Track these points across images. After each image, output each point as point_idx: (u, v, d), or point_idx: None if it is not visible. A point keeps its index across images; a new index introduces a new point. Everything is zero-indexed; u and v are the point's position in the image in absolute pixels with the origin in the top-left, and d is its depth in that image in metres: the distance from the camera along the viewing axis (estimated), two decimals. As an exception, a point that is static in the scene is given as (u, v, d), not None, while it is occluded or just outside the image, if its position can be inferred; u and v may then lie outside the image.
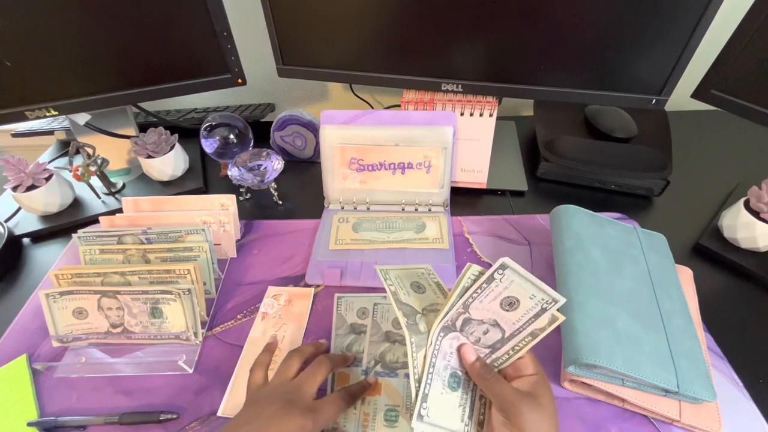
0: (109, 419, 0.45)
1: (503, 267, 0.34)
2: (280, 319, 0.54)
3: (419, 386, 0.37)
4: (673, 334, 0.45)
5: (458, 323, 0.38)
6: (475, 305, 0.37)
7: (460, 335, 0.39)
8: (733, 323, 0.52)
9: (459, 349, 0.40)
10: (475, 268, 0.37)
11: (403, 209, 0.68)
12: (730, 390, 0.45)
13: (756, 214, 0.56)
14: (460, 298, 0.37)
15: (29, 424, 0.45)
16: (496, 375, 0.38)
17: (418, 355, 0.37)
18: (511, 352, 0.38)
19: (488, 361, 0.39)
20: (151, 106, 0.90)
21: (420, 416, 0.37)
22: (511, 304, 0.36)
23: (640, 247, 0.53)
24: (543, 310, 0.35)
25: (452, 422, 0.38)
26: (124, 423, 0.45)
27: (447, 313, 0.37)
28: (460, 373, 0.39)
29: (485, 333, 0.38)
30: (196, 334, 0.51)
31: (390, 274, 0.43)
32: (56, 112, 0.67)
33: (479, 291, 0.36)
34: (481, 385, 0.38)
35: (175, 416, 0.45)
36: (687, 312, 0.47)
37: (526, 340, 0.37)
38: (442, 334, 0.38)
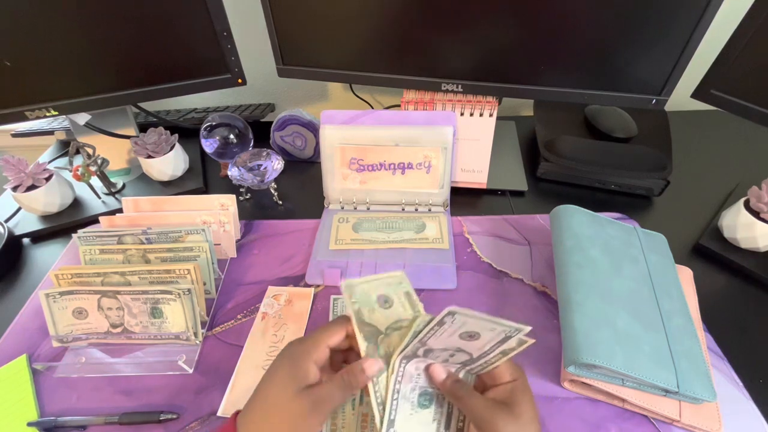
0: (109, 419, 0.45)
1: (451, 314, 0.32)
2: (280, 319, 0.54)
3: (383, 411, 0.35)
4: (673, 334, 0.45)
5: (420, 353, 0.36)
6: (432, 340, 0.35)
7: (426, 359, 0.37)
8: (733, 323, 0.52)
9: (428, 369, 0.37)
10: (421, 319, 0.35)
11: (403, 209, 0.68)
12: (730, 390, 0.45)
13: (756, 214, 0.56)
14: (415, 337, 0.34)
15: (29, 424, 0.45)
16: (469, 390, 0.35)
17: (379, 379, 0.35)
18: (485, 365, 0.36)
19: (462, 373, 0.37)
20: (151, 106, 0.90)
21: None
22: (471, 336, 0.34)
23: (640, 247, 0.53)
24: (507, 337, 0.33)
25: None
26: (124, 423, 0.45)
27: (404, 348, 0.35)
28: (431, 390, 0.37)
29: (451, 356, 0.36)
30: (196, 334, 0.51)
31: (356, 289, 0.39)
32: (56, 112, 0.67)
33: (432, 332, 0.33)
34: (455, 402, 0.36)
35: (175, 416, 0.45)
36: (687, 312, 0.47)
37: (497, 357, 0.35)
38: (404, 361, 0.36)
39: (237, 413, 0.34)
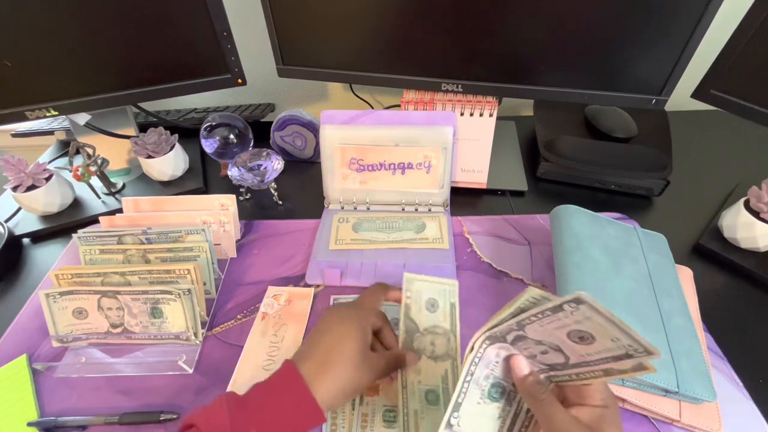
0: (109, 419, 0.45)
1: (578, 301, 0.27)
2: (280, 319, 0.54)
3: (453, 395, 0.33)
4: (673, 334, 0.45)
5: (509, 337, 0.33)
6: (533, 327, 0.30)
7: (511, 347, 0.34)
8: (733, 323, 0.52)
9: (509, 359, 0.34)
10: (536, 292, 0.30)
11: (403, 209, 0.68)
12: (730, 390, 0.45)
13: (756, 214, 0.56)
14: (514, 317, 0.31)
15: (29, 424, 0.45)
16: (550, 396, 0.32)
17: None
18: (574, 376, 0.32)
19: (544, 377, 0.33)
20: (151, 106, 0.90)
21: (449, 425, 0.33)
22: (582, 338, 0.29)
23: (640, 247, 0.53)
24: (628, 356, 0.27)
25: None
26: (124, 423, 0.45)
27: (496, 326, 0.32)
28: (505, 384, 0.34)
29: (543, 353, 0.32)
30: (196, 334, 0.51)
31: (413, 285, 0.43)
32: (56, 112, 0.67)
33: (540, 316, 0.29)
34: (531, 404, 0.33)
35: (175, 416, 0.45)
36: (687, 312, 0.47)
37: (596, 373, 0.30)
38: (487, 342, 0.33)
39: (291, 363, 0.36)
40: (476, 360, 0.33)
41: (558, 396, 0.33)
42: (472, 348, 0.33)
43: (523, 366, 0.33)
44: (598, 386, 0.31)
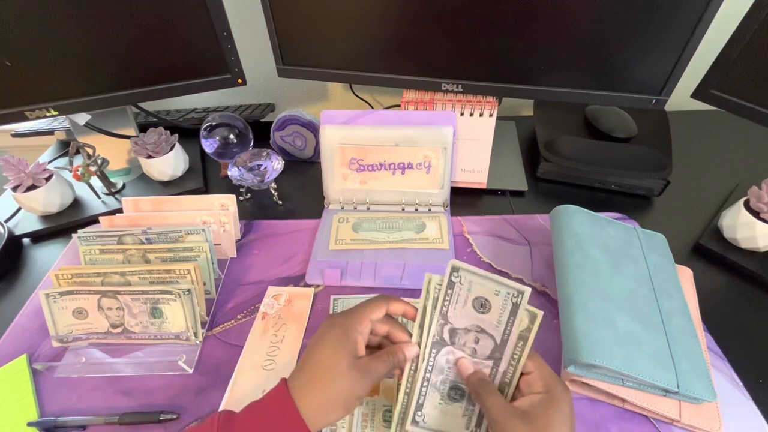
0: (109, 419, 0.45)
1: (455, 269, 0.35)
2: (280, 319, 0.54)
3: (412, 396, 0.38)
4: (673, 334, 0.45)
5: (445, 336, 0.38)
6: (451, 313, 0.37)
7: (454, 349, 0.38)
8: (733, 323, 0.52)
9: (457, 363, 0.38)
10: (436, 278, 0.37)
11: (403, 209, 0.68)
12: (730, 390, 0.45)
13: (756, 214, 0.56)
14: (434, 308, 0.37)
15: (29, 424, 0.45)
16: (491, 389, 0.36)
17: (413, 370, 0.38)
18: (513, 362, 0.36)
19: (497, 377, 0.37)
20: (151, 106, 0.90)
21: (415, 422, 0.38)
22: (482, 305, 0.35)
23: (640, 247, 0.53)
24: (515, 306, 0.34)
25: (455, 428, 0.38)
26: (124, 423, 0.45)
27: (430, 327, 0.37)
28: (463, 386, 0.38)
29: (477, 342, 0.37)
30: (196, 334, 0.51)
31: (431, 284, 0.38)
32: (56, 112, 0.67)
33: (448, 298, 0.36)
34: (476, 399, 0.37)
35: (175, 416, 0.45)
36: (687, 312, 0.47)
37: (520, 345, 0.36)
38: (434, 350, 0.38)
39: (284, 380, 0.36)
40: (429, 368, 0.38)
41: (517, 396, 0.36)
42: (423, 357, 0.38)
43: (467, 366, 0.37)
44: (536, 377, 0.35)
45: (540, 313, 0.34)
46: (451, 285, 0.35)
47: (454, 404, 0.38)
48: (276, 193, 0.73)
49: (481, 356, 0.37)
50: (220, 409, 0.46)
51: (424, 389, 0.38)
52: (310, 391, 0.35)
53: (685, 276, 0.54)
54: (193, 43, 0.67)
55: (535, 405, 0.33)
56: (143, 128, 0.77)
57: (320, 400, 0.34)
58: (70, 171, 0.69)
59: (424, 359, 0.38)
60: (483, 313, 0.36)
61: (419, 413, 0.38)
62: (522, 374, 0.37)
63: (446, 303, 0.36)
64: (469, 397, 0.38)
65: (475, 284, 0.35)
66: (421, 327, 0.38)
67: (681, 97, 0.64)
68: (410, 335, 0.40)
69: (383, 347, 0.39)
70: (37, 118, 0.66)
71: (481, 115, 0.66)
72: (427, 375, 0.38)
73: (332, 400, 0.35)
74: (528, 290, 0.33)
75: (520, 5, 0.57)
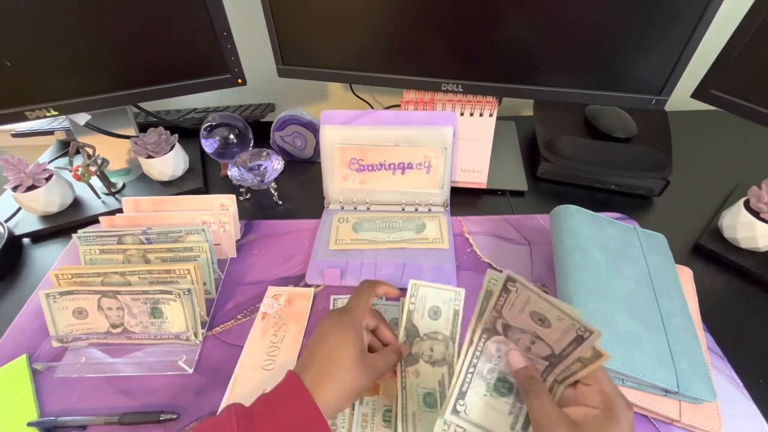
0: (109, 419, 0.45)
1: (511, 279, 0.32)
2: (280, 319, 0.54)
3: (456, 380, 0.35)
4: (673, 334, 0.45)
5: (498, 327, 0.35)
6: (507, 311, 0.34)
7: (507, 340, 0.36)
8: (733, 323, 0.52)
9: (508, 353, 0.36)
10: (494, 274, 0.34)
11: (403, 209, 0.68)
12: (730, 390, 0.45)
13: (756, 214, 0.56)
14: (488, 301, 0.34)
15: (29, 424, 0.45)
16: (540, 389, 0.32)
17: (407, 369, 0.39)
18: (567, 371, 0.33)
19: (551, 378, 0.34)
20: (151, 106, 0.90)
21: (455, 411, 0.35)
22: (541, 320, 0.31)
23: (640, 247, 0.53)
24: (580, 338, 0.30)
25: (498, 427, 0.35)
26: (124, 423, 0.45)
27: (482, 314, 0.35)
28: (512, 379, 0.36)
29: (532, 343, 0.34)
30: (196, 334, 0.51)
31: (419, 291, 0.44)
32: (56, 112, 0.67)
33: (502, 300, 0.33)
34: (523, 395, 0.34)
35: (175, 416, 0.45)
36: (687, 312, 0.47)
37: (576, 365, 0.32)
38: (485, 336, 0.36)
39: (294, 373, 0.37)
40: (477, 353, 0.36)
41: (565, 400, 0.33)
42: (471, 341, 0.36)
43: (518, 358, 0.35)
44: (597, 390, 0.31)
45: (606, 357, 0.30)
46: (506, 290, 0.32)
47: (500, 398, 0.35)
48: (276, 193, 0.73)
49: (536, 355, 0.35)
50: (220, 409, 0.46)
51: (469, 375, 0.35)
52: (325, 384, 0.36)
53: (685, 276, 0.54)
54: (193, 43, 0.67)
55: (590, 420, 0.30)
56: (143, 128, 0.77)
57: (333, 392, 0.36)
58: (70, 171, 0.69)
59: (472, 343, 0.36)
60: (542, 326, 0.32)
61: (461, 402, 0.35)
62: (577, 382, 0.33)
63: (501, 300, 0.33)
64: (517, 393, 0.35)
65: (533, 301, 0.31)
66: (407, 328, 0.40)
67: (681, 97, 0.64)
68: (396, 336, 0.43)
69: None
70: (37, 118, 0.66)
71: (481, 115, 0.66)
72: (474, 360, 0.35)
73: (343, 391, 0.37)
74: (598, 332, 0.28)
75: (521, 5, 0.57)
